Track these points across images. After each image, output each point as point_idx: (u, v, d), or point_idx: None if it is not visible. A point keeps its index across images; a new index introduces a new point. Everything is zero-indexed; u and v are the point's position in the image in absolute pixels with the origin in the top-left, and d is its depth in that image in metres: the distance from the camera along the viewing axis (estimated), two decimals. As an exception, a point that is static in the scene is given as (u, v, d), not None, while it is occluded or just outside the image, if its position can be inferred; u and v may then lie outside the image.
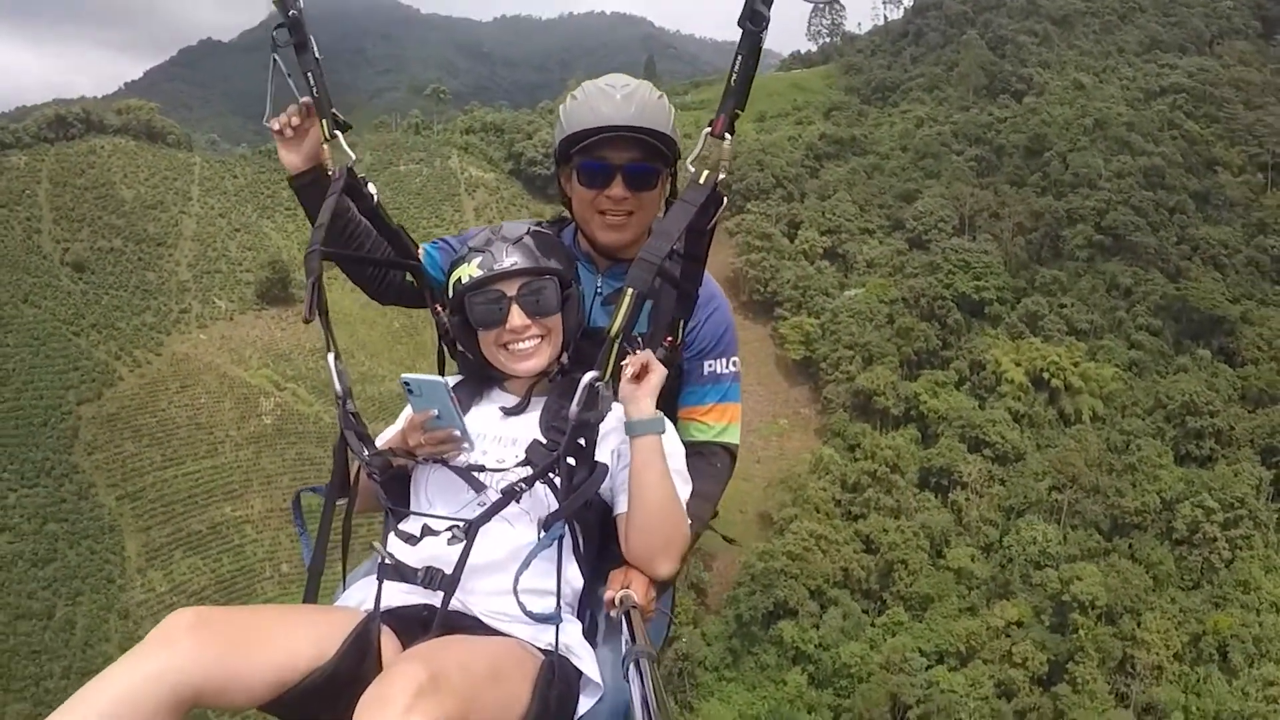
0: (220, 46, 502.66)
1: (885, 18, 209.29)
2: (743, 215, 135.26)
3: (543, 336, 3.68)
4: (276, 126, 4.06)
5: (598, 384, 3.42)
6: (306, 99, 4.04)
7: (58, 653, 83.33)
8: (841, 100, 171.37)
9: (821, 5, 5.12)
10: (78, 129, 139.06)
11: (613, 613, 3.54)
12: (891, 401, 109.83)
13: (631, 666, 3.06)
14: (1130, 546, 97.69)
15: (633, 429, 3.44)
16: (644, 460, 3.44)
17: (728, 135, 3.37)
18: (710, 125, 3.39)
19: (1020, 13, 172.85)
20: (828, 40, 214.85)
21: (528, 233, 3.76)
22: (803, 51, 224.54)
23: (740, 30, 3.24)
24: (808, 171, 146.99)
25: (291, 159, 4.11)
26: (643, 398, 3.47)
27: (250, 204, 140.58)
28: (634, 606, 3.44)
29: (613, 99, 3.88)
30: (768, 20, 3.20)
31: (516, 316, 3.62)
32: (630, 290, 3.34)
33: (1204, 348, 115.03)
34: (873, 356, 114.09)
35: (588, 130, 3.88)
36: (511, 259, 3.64)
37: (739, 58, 3.30)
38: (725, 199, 3.59)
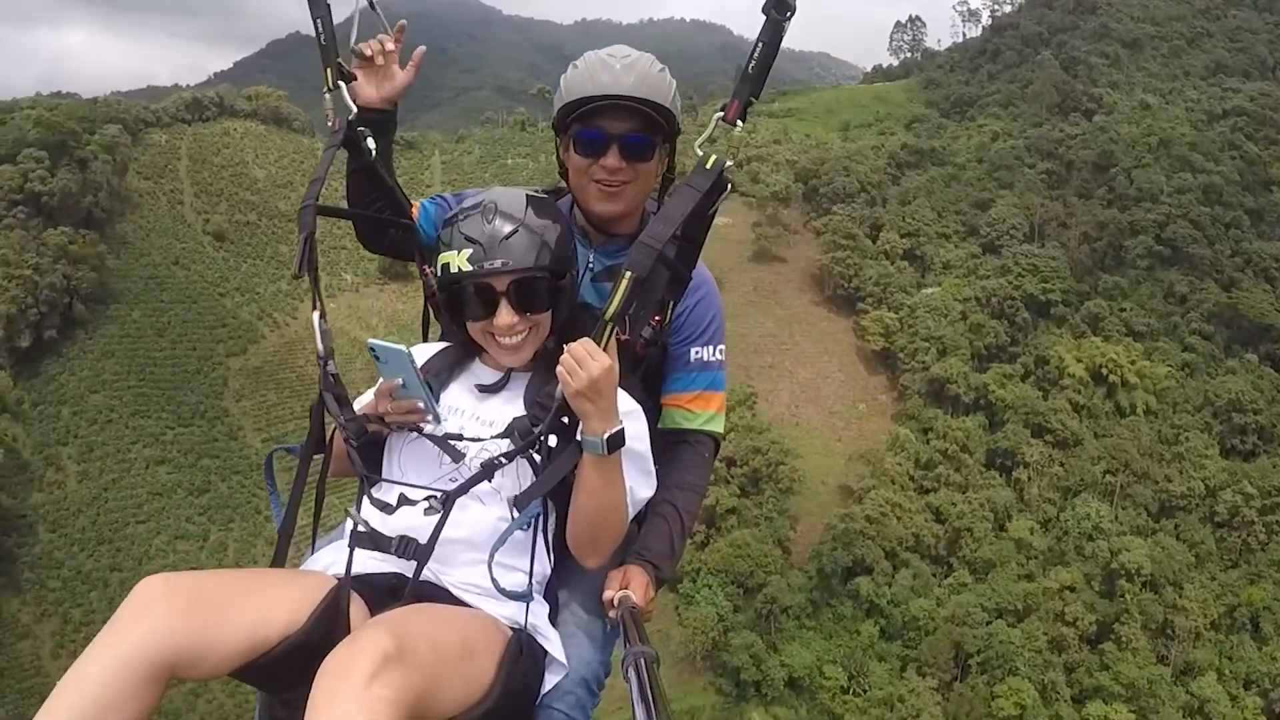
0: (309, 40, 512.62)
1: (964, 35, 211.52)
2: (829, 216, 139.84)
3: (531, 329, 3.58)
4: (369, 52, 4.03)
5: None
6: (402, 22, 4.14)
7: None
8: (922, 113, 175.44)
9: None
10: (212, 112, 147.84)
11: (612, 613, 3.60)
12: (963, 390, 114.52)
13: (630, 667, 3.05)
14: (1175, 526, 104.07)
15: (593, 447, 3.28)
16: (596, 464, 3.33)
17: (739, 122, 3.46)
18: (723, 110, 3.49)
19: (1093, 35, 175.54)
20: (909, 55, 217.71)
21: (525, 219, 3.57)
22: (885, 66, 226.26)
23: (764, 17, 3.35)
24: (889, 178, 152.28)
25: (368, 92, 4.05)
26: (599, 413, 3.28)
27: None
28: (633, 607, 3.51)
29: (612, 69, 3.85)
30: (793, 9, 3.32)
31: (505, 314, 3.51)
32: (628, 274, 3.33)
33: (1252, 353, 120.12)
34: (946, 349, 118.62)
35: (586, 98, 3.85)
36: (504, 256, 3.47)
37: (760, 45, 3.41)
38: (730, 185, 3.62)
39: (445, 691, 2.82)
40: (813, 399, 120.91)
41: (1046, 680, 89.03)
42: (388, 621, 2.85)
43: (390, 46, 4.09)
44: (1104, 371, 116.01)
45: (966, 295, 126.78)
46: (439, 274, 3.61)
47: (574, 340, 3.31)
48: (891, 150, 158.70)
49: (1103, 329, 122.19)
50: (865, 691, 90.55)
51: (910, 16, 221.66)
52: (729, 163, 3.50)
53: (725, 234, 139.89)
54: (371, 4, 4.09)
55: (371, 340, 3.44)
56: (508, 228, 3.50)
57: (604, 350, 3.28)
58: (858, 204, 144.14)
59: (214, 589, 2.92)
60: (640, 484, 3.65)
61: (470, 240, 3.49)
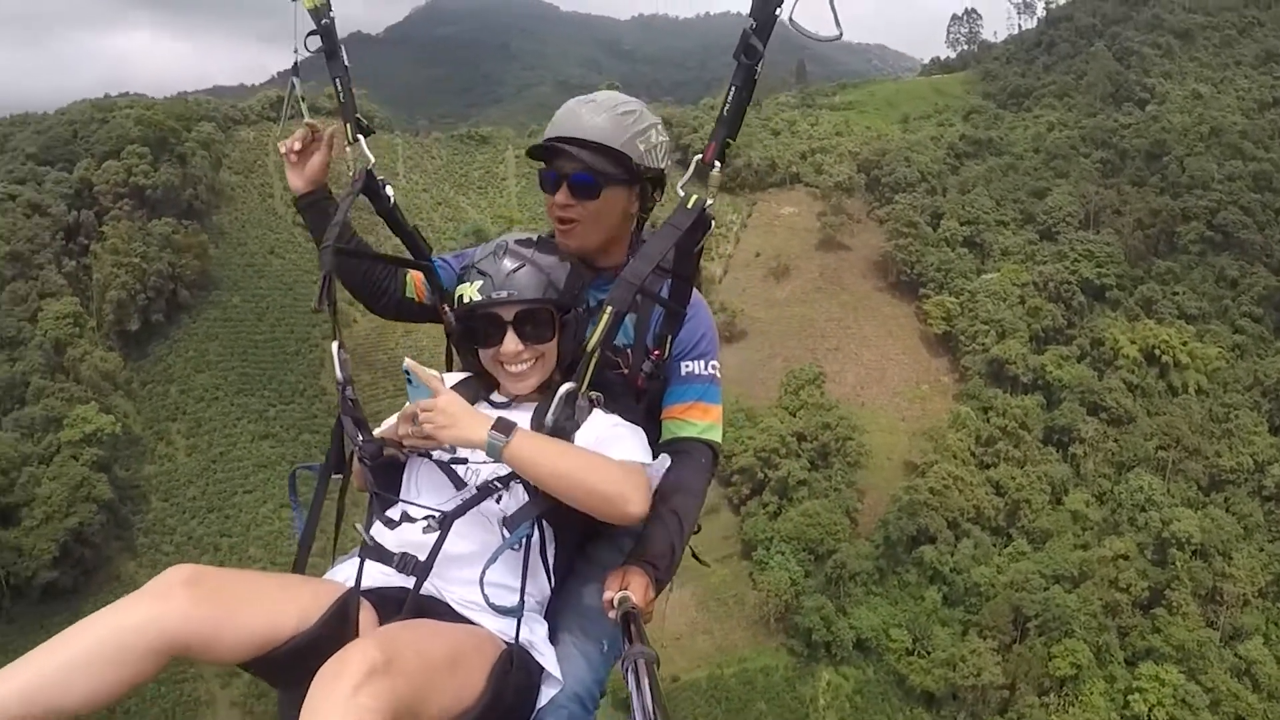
0: (369, 39, 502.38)
1: (1019, 27, 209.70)
2: (891, 205, 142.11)
3: (537, 359, 3.84)
4: (283, 149, 4.32)
5: (576, 395, 3.69)
6: (310, 122, 4.29)
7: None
8: (979, 104, 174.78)
9: (822, 40, 3.16)
10: (294, 110, 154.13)
11: (611, 614, 3.60)
12: (1021, 370, 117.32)
13: (630, 668, 3.11)
14: (1225, 499, 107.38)
15: (494, 451, 3.41)
16: (521, 467, 3.46)
17: (717, 164, 3.66)
18: (701, 153, 3.67)
19: (1145, 26, 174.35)
20: (966, 48, 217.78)
21: (531, 256, 3.85)
22: (942, 58, 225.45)
23: (736, 63, 3.49)
24: (949, 168, 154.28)
25: (295, 180, 4.36)
26: (466, 429, 3.46)
27: (447, 182, 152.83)
28: (632, 608, 3.54)
29: (577, 113, 4.11)
30: (762, 54, 3.43)
31: (510, 342, 3.77)
32: (609, 309, 3.57)
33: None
34: (1005, 331, 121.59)
35: (544, 140, 4.13)
36: (509, 289, 3.75)
37: (733, 89, 3.55)
38: (713, 223, 3.84)
39: (432, 699, 3.01)
40: (877, 380, 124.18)
41: (1101, 642, 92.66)
42: (378, 635, 3.11)
43: (298, 147, 4.33)
44: (1157, 352, 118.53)
45: (1025, 280, 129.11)
46: (455, 305, 3.96)
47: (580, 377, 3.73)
48: (950, 141, 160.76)
49: (1156, 312, 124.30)
50: (929, 653, 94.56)
51: (966, 9, 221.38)
52: (710, 201, 3.75)
53: (792, 223, 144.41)
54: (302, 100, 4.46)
55: (407, 363, 3.69)
56: (515, 264, 3.81)
57: (584, 380, 3.71)
58: (918, 193, 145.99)
59: (234, 584, 3.17)
60: (616, 446, 3.74)
61: (482, 273, 3.82)
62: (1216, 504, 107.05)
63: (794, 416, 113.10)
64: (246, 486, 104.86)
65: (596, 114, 4.08)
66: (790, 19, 3.23)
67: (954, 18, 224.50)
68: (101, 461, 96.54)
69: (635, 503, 3.49)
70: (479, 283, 3.79)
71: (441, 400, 3.51)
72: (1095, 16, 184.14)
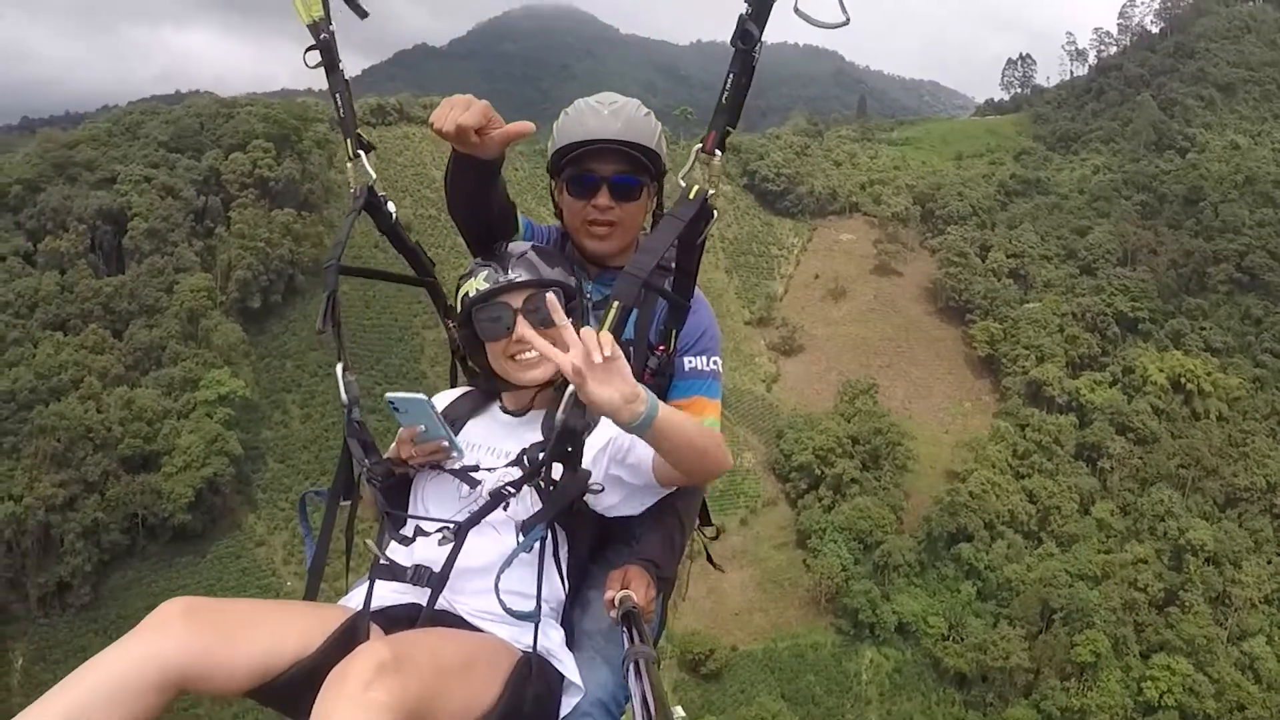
0: (434, 51, 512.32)
1: (1071, 73, 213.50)
2: (943, 236, 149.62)
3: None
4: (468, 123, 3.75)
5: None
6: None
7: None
8: (1030, 146, 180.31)
9: (828, 27, 2.94)
10: (393, 117, 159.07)
11: (612, 613, 3.66)
12: (1057, 392, 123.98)
13: (631, 667, 3.14)
14: (1238, 515, 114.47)
15: (645, 421, 3.15)
16: (663, 433, 3.27)
17: (718, 152, 3.52)
18: (701, 142, 3.56)
19: (1190, 78, 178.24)
20: (1019, 91, 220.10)
21: (526, 252, 3.84)
22: (996, 100, 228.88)
23: (733, 50, 3.44)
24: (999, 204, 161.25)
25: (480, 152, 3.89)
26: (621, 404, 3.08)
27: (529, 194, 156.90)
28: (634, 608, 3.56)
29: (600, 114, 4.13)
30: (758, 39, 3.38)
31: (522, 327, 3.65)
32: (616, 303, 3.33)
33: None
34: (1044, 356, 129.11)
35: (576, 143, 4.12)
36: (516, 272, 3.72)
37: (731, 76, 3.46)
38: (715, 213, 3.66)
39: (445, 701, 2.97)
40: (924, 396, 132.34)
41: (1119, 635, 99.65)
42: (390, 638, 3.11)
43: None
44: (1183, 381, 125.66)
45: (1064, 310, 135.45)
46: (460, 303, 3.92)
47: None
48: (1001, 179, 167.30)
49: (1184, 344, 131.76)
50: (963, 639, 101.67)
51: (1021, 54, 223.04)
52: (711, 191, 3.59)
53: (850, 248, 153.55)
54: None
55: (389, 395, 3.69)
56: (518, 250, 3.89)
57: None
58: (969, 226, 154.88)
59: (232, 613, 3.15)
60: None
61: (486, 264, 3.85)
62: (1230, 519, 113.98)
63: (849, 422, 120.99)
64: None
65: (619, 116, 4.21)
66: (795, 8, 3.22)
67: (1009, 62, 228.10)
68: (230, 421, 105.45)
69: (729, 456, 3.67)
70: (484, 272, 3.83)
71: (606, 344, 3.08)
72: (1144, 67, 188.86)
